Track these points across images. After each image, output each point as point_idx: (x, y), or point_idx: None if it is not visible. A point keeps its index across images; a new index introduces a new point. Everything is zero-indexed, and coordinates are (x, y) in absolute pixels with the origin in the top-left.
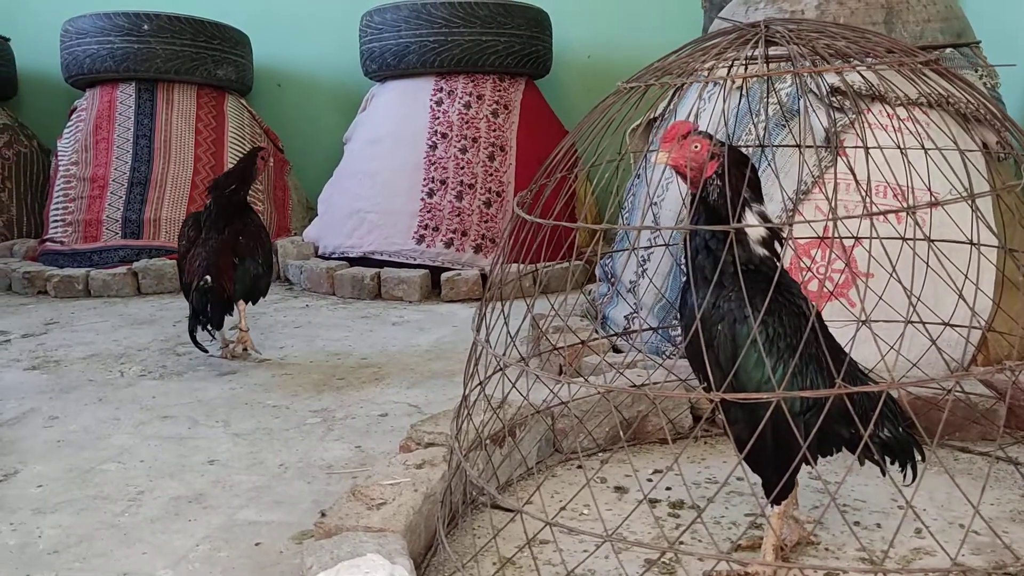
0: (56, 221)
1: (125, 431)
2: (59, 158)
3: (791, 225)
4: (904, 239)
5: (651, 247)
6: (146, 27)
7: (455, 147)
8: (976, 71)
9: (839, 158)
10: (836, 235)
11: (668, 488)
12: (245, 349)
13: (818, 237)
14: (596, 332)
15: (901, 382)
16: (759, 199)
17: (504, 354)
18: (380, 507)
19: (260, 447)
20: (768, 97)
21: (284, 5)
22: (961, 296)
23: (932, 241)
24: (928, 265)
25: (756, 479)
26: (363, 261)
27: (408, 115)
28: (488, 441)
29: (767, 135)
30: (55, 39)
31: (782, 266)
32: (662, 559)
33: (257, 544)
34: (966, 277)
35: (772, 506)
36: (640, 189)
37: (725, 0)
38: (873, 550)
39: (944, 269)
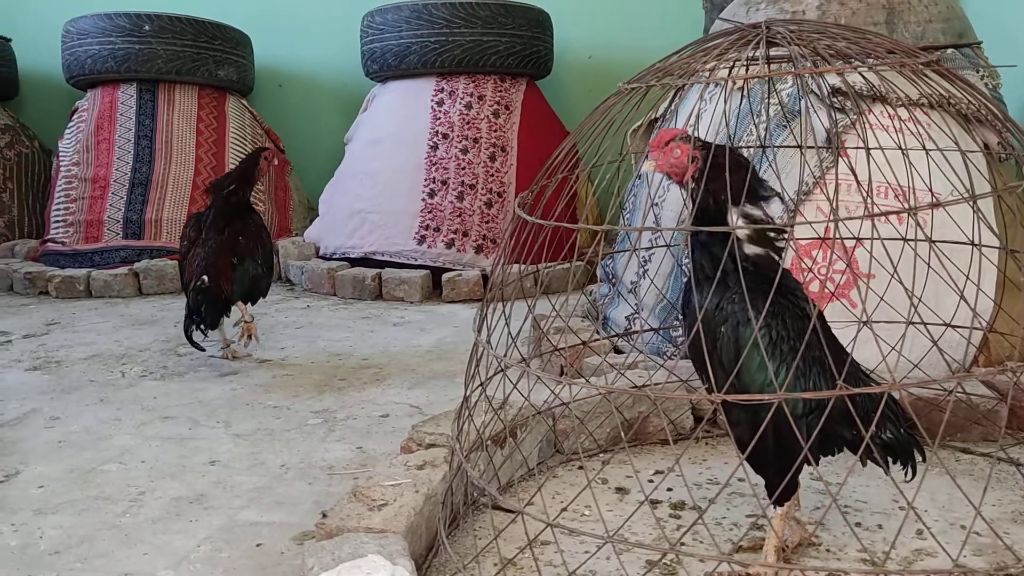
0: (57, 222)
1: (126, 432)
2: (60, 159)
3: (792, 226)
4: (905, 240)
5: (652, 248)
6: (147, 27)
7: (456, 147)
8: (977, 72)
9: (840, 159)
10: (837, 236)
11: (669, 489)
12: (251, 338)
13: (819, 238)
14: (597, 333)
15: (902, 383)
16: (750, 199)
17: (505, 355)
18: (381, 508)
19: (261, 448)
20: (769, 98)
21: (285, 5)
22: (962, 297)
23: (933, 242)
24: (929, 266)
25: (757, 480)
26: (364, 262)
27: (409, 115)
28: (489, 442)
29: (768, 136)
30: (56, 40)
31: (783, 268)
32: (663, 560)
33: (258, 545)
34: (967, 278)
35: (774, 507)
36: (641, 190)
37: (726, 1)
38: (875, 551)
39: (945, 270)
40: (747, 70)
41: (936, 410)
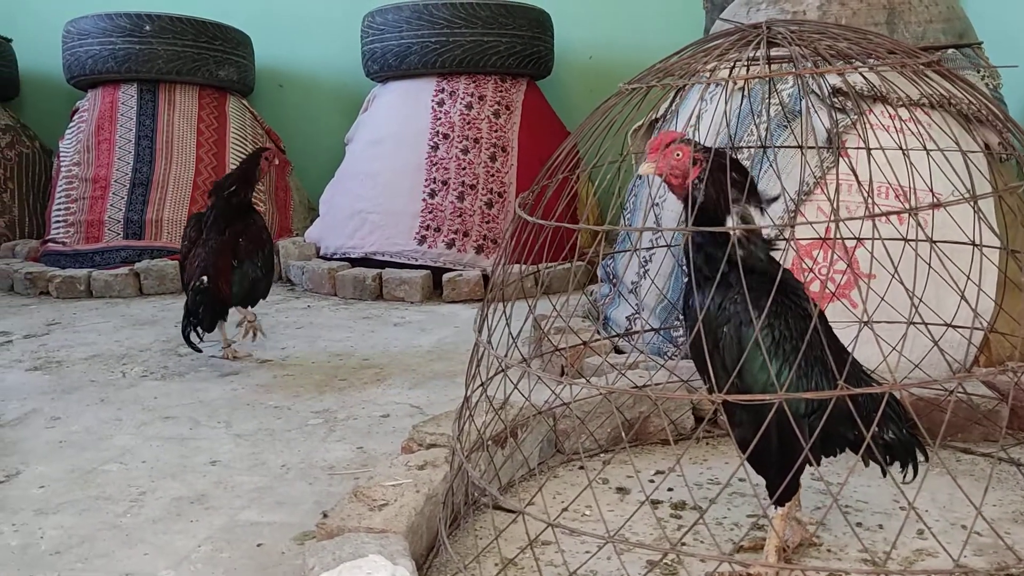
0: (58, 222)
1: (127, 432)
2: (61, 159)
3: (793, 226)
4: (906, 240)
5: (653, 248)
6: (148, 28)
7: (457, 148)
8: (978, 72)
9: (841, 159)
10: (838, 236)
11: (670, 489)
12: (255, 334)
13: (820, 238)
14: (598, 333)
15: (903, 383)
16: (752, 199)
17: (506, 355)
18: (382, 508)
19: (262, 448)
20: (770, 98)
21: (286, 6)
22: (963, 297)
23: (934, 242)
24: (930, 266)
25: (758, 480)
26: (365, 262)
27: (410, 116)
28: (490, 442)
29: (769, 136)
30: (57, 40)
31: (784, 268)
32: (664, 560)
33: (259, 545)
34: (968, 278)
35: (775, 507)
36: (642, 190)
37: (727, 1)
38: (875, 551)
39: (946, 270)
40: (748, 70)
41: (937, 410)
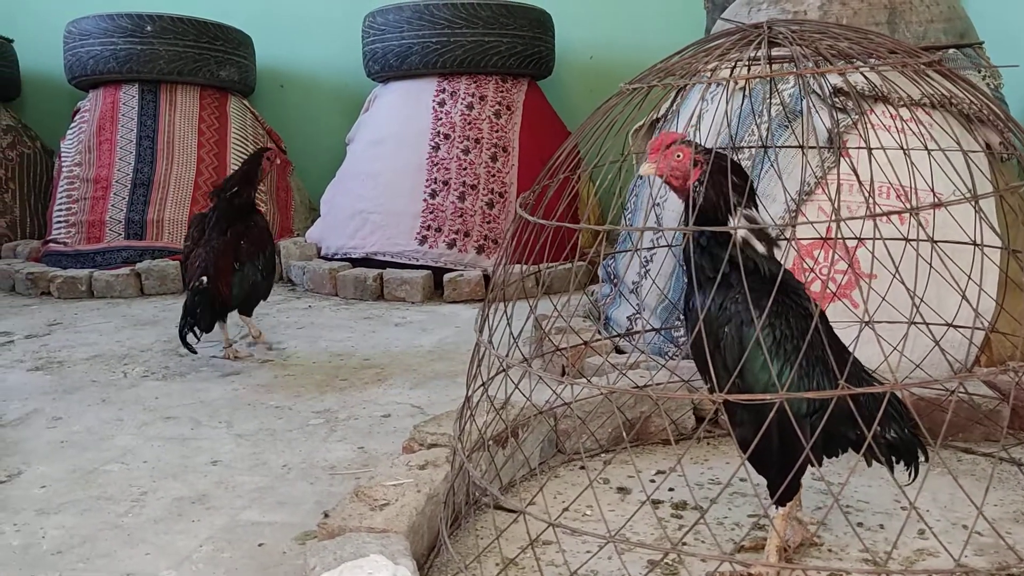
0: (59, 222)
1: (128, 432)
2: (62, 159)
3: (794, 226)
4: (907, 240)
5: (654, 248)
6: (149, 28)
7: (458, 148)
8: (979, 72)
9: (842, 159)
10: (839, 236)
11: (671, 489)
12: (257, 342)
13: (821, 238)
14: (599, 333)
15: (905, 383)
16: (751, 203)
17: (507, 355)
18: (383, 508)
19: (263, 448)
20: (771, 98)
21: (286, 6)
22: (964, 297)
23: (935, 242)
24: (931, 266)
25: (759, 480)
26: (366, 262)
27: (411, 116)
28: (491, 442)
29: (770, 136)
30: (58, 40)
31: (784, 268)
32: (665, 560)
33: (260, 545)
34: (969, 278)
35: (776, 507)
36: (643, 190)
37: (728, 1)
38: (876, 551)
39: (947, 270)
40: (749, 70)
41: (938, 410)
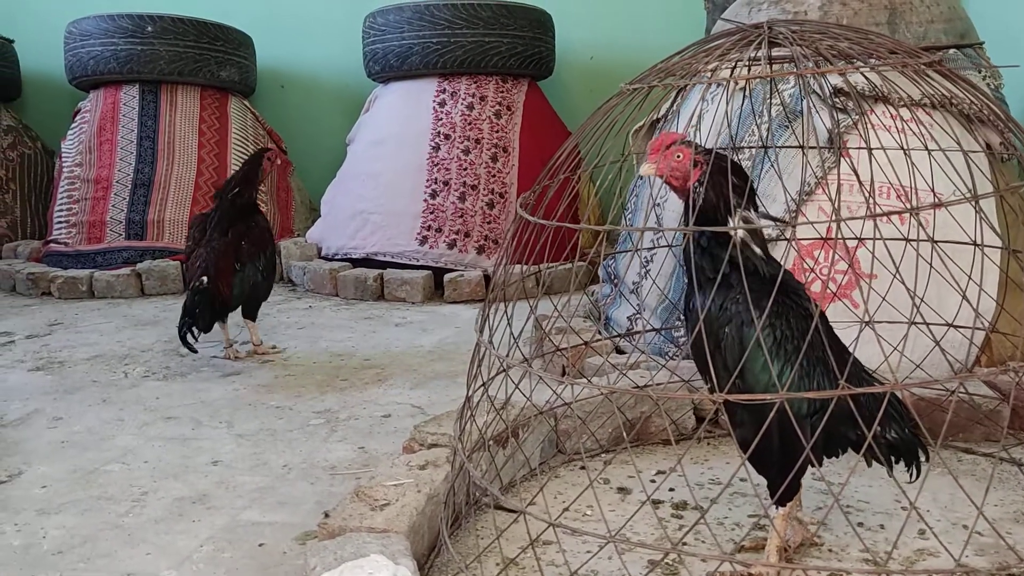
0: (60, 222)
1: (129, 432)
2: (63, 159)
3: (794, 226)
4: (907, 240)
5: (654, 248)
6: (150, 29)
7: (458, 148)
8: (979, 72)
9: (842, 159)
10: (839, 236)
11: (671, 489)
12: (255, 352)
13: (821, 238)
14: (599, 333)
15: (905, 383)
16: (750, 204)
17: (507, 355)
18: (383, 508)
19: (263, 448)
20: (771, 98)
21: (287, 6)
22: (965, 297)
23: (935, 242)
24: (931, 266)
25: (759, 480)
26: (366, 262)
27: (411, 116)
28: (491, 442)
29: (770, 136)
30: (59, 41)
31: (784, 269)
32: (665, 560)
33: (261, 545)
34: (969, 278)
35: (777, 507)
36: (643, 190)
37: (728, 1)
38: (877, 551)
39: (947, 270)
40: (749, 70)
41: (938, 410)
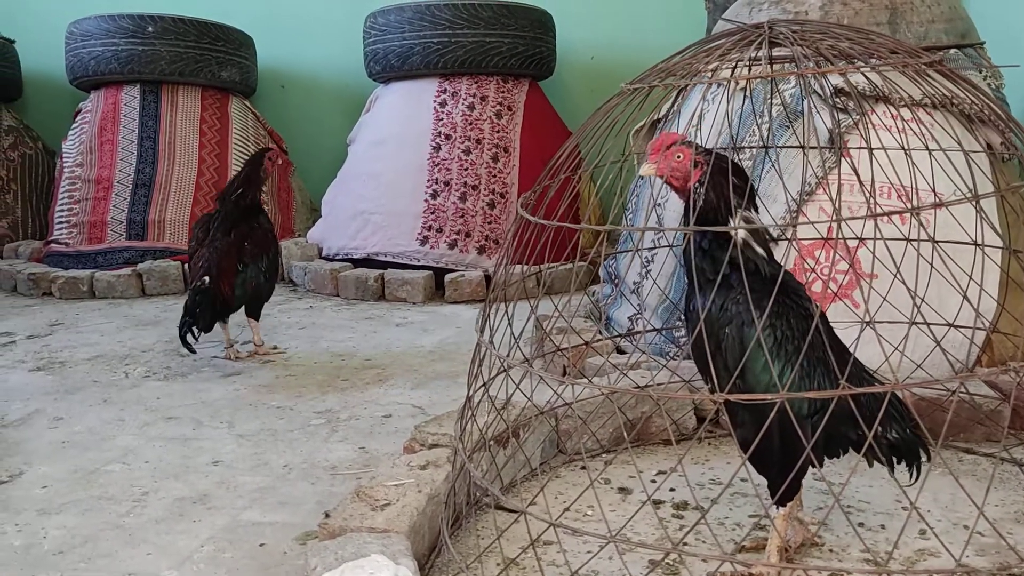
0: (61, 223)
1: (130, 432)
2: (64, 160)
3: (795, 226)
4: (908, 240)
5: (655, 248)
6: (150, 29)
7: (459, 148)
8: (980, 72)
9: (843, 159)
10: (840, 236)
11: (672, 489)
12: (256, 352)
13: (822, 238)
14: (600, 333)
15: (906, 383)
16: (750, 203)
17: (508, 355)
18: (384, 508)
19: (264, 448)
20: (772, 98)
21: (288, 7)
22: (965, 297)
23: (936, 242)
24: (932, 266)
25: (760, 480)
26: (367, 262)
27: (412, 116)
28: (492, 442)
29: (771, 136)
30: (60, 41)
31: (785, 269)
32: (666, 560)
33: (261, 545)
34: (970, 278)
35: (777, 507)
36: (644, 190)
37: (728, 1)
38: (877, 551)
39: (948, 270)
40: (750, 70)
41: (939, 410)
